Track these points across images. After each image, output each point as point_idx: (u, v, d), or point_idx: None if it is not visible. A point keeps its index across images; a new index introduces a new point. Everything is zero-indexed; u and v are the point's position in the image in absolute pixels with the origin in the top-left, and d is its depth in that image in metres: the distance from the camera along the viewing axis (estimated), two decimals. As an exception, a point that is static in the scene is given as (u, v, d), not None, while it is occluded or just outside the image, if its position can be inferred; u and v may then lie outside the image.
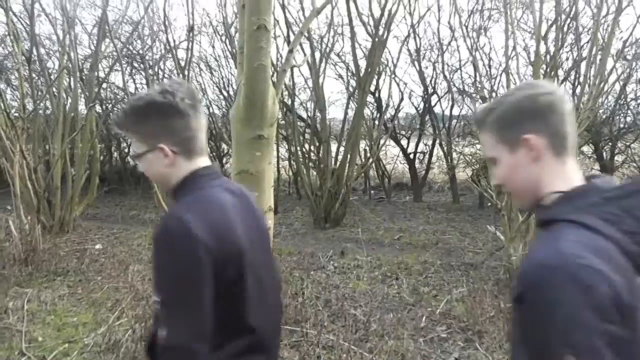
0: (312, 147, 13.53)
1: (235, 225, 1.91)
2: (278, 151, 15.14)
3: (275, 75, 7.16)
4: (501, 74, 11.78)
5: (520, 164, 1.58)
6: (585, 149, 15.37)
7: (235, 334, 1.89)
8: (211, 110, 17.22)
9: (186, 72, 10.10)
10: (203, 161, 2.02)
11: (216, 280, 1.78)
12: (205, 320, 1.76)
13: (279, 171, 15.58)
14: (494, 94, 10.17)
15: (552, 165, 1.56)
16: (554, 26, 8.59)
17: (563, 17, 9.87)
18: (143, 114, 1.93)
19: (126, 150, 19.62)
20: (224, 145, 17.19)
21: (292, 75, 12.92)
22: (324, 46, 12.96)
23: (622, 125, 15.00)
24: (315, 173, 12.97)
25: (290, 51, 4.72)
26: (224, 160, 17.90)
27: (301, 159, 12.52)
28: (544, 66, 8.86)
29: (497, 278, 7.49)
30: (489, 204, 11.46)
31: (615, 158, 15.54)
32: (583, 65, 8.03)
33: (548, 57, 9.79)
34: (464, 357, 5.03)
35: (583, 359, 1.25)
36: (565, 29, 10.48)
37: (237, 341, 1.88)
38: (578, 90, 10.01)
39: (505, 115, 1.60)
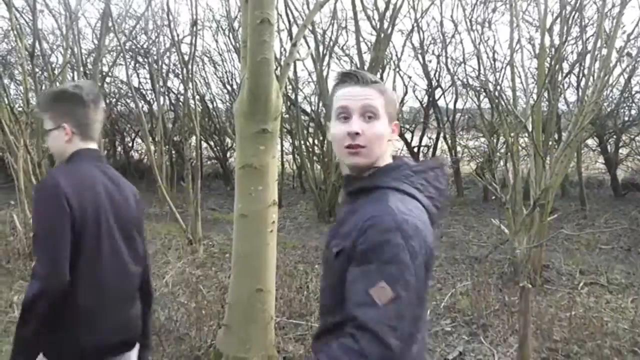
0: (316, 141, 13.54)
1: (96, 195, 2.46)
2: (282, 145, 15.13)
3: (278, 69, 7.15)
4: (506, 66, 11.73)
5: None
6: (589, 142, 15.38)
7: (83, 288, 2.38)
8: (215, 105, 17.23)
9: (190, 67, 10.06)
10: (93, 145, 2.58)
11: (73, 232, 2.33)
12: (59, 257, 2.30)
13: (282, 165, 15.58)
14: (498, 87, 10.15)
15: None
16: (559, 19, 8.53)
17: (568, 9, 9.83)
18: (56, 98, 2.53)
19: (130, 144, 19.64)
20: (227, 140, 17.19)
21: (295, 69, 12.92)
22: (327, 40, 12.96)
23: (626, 119, 14.98)
24: (319, 167, 12.98)
25: (294, 45, 4.71)
26: (228, 154, 17.90)
27: (305, 153, 12.54)
28: (548, 59, 8.83)
29: (501, 271, 7.49)
30: (493, 197, 11.47)
31: (620, 151, 15.55)
32: (588, 58, 7.99)
33: (553, 49, 9.75)
34: (469, 350, 5.04)
35: (393, 288, 1.57)
36: (570, 21, 10.43)
37: (83, 294, 2.37)
38: (582, 83, 9.94)
39: None
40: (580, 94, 7.75)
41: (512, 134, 7.88)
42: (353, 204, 1.89)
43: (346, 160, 1.87)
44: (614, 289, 7.04)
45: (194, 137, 10.98)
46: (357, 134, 1.81)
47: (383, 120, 1.86)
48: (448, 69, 14.74)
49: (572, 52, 12.88)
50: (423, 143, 16.75)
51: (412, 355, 1.72)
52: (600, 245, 9.53)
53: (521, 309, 4.71)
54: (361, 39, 12.42)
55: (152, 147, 12.23)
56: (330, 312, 1.83)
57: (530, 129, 7.22)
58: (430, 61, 15.46)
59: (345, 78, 1.89)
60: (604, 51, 7.40)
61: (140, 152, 19.81)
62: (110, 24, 10.70)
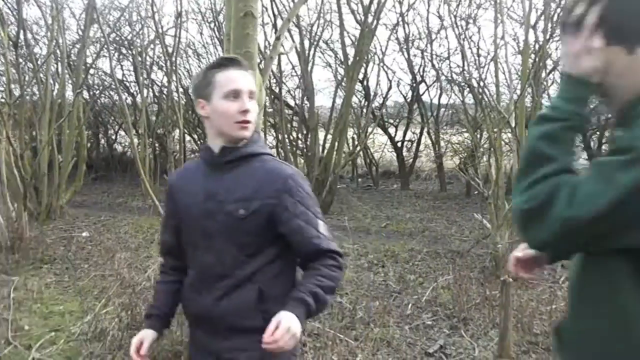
0: (299, 135, 13.54)
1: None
2: (265, 139, 15.09)
3: (262, 62, 7.13)
4: (489, 62, 11.79)
5: None
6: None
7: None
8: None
9: (174, 59, 10.02)
10: None
11: None
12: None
13: (265, 159, 15.53)
14: (482, 83, 10.19)
15: None
16: (543, 15, 8.58)
17: (553, 6, 9.88)
18: None
19: (114, 137, 19.54)
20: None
21: (279, 62, 12.90)
22: (313, 34, 12.95)
23: (609, 115, 15.05)
24: (302, 161, 12.98)
25: (277, 38, 4.70)
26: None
27: (289, 147, 12.52)
28: (532, 55, 8.87)
29: (483, 266, 7.53)
30: (476, 192, 11.51)
31: (603, 147, 15.66)
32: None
33: (537, 46, 9.80)
34: (449, 344, 5.06)
35: (324, 221, 2.28)
36: (554, 18, 10.49)
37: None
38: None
39: None
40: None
41: (495, 130, 7.92)
42: (232, 171, 2.21)
43: (236, 133, 2.17)
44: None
45: (177, 130, 10.94)
46: (248, 111, 2.13)
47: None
48: (433, 64, 14.80)
49: (556, 49, 12.94)
50: (407, 138, 16.80)
51: None
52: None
53: (502, 302, 4.75)
54: (345, 33, 12.44)
55: (136, 140, 12.17)
56: (237, 267, 2.18)
57: (513, 125, 7.25)
58: (415, 56, 15.51)
59: (228, 62, 2.19)
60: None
61: (123, 145, 19.73)
62: (94, 15, 10.63)
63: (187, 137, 17.28)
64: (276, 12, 11.99)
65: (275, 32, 11.40)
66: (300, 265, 2.29)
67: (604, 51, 1.42)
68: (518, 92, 7.64)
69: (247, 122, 2.15)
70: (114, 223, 10.57)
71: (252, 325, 2.12)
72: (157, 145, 16.32)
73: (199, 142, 17.73)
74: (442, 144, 15.69)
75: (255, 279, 2.18)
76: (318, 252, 2.18)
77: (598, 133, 15.34)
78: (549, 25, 9.05)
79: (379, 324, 5.36)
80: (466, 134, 14.73)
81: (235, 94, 2.13)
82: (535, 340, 5.10)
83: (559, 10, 10.34)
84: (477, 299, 6.04)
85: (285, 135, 12.55)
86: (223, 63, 2.20)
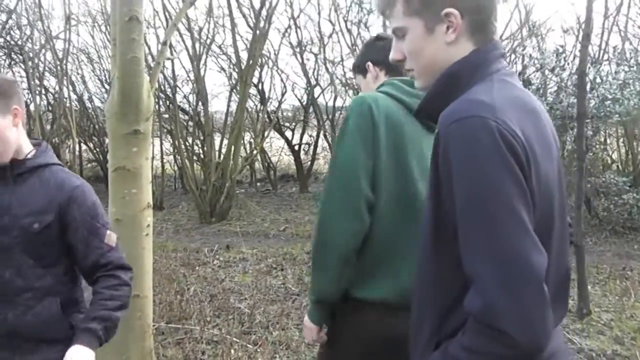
0: (196, 141, 13.39)
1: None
2: (162, 145, 14.85)
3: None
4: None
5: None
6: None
7: None
8: (93, 104, 16.72)
9: (64, 64, 9.71)
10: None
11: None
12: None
13: (163, 166, 15.24)
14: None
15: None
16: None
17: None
18: None
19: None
20: (107, 140, 16.68)
21: (173, 67, 12.75)
22: (204, 38, 12.84)
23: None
24: (199, 167, 12.85)
25: (164, 43, 4.63)
26: (109, 156, 17.34)
27: (185, 153, 12.36)
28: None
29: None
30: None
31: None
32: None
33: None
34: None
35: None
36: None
37: None
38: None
39: None
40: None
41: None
42: (24, 183, 2.20)
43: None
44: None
45: (71, 139, 10.63)
46: None
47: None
48: (326, 68, 14.91)
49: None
50: (304, 141, 16.89)
51: None
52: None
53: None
54: (238, 37, 12.40)
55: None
56: (37, 280, 2.18)
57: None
58: (308, 60, 15.61)
59: None
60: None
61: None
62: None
63: (83, 146, 16.82)
64: (167, 16, 11.81)
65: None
66: (84, 275, 2.34)
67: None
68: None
69: None
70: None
71: (57, 337, 2.19)
72: (53, 155, 15.78)
73: (94, 151, 17.27)
74: (339, 146, 15.81)
75: (56, 289, 2.22)
76: (97, 265, 2.24)
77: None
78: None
79: (277, 327, 5.38)
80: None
81: None
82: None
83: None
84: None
85: (181, 141, 12.38)
86: None
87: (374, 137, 2.06)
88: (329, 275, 2.11)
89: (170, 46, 11.64)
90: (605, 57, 12.30)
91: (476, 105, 1.31)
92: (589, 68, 9.59)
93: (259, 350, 4.83)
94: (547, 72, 10.71)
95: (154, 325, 4.65)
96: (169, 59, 5.18)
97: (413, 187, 2.12)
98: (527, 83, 11.37)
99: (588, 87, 8.88)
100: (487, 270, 1.24)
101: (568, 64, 10.17)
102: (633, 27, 13.20)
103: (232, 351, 4.73)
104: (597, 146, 9.77)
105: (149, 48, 11.63)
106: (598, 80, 9.51)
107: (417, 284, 1.52)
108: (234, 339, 4.96)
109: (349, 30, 11.98)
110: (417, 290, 1.52)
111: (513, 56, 13.59)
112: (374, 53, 2.46)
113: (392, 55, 1.61)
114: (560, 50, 10.24)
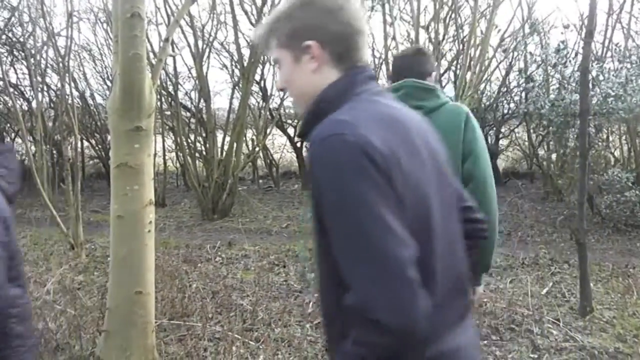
0: (198, 138, 13.39)
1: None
2: (164, 142, 14.84)
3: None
4: (381, 64, 11.98)
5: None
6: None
7: None
8: (95, 101, 16.73)
9: (66, 61, 9.67)
10: None
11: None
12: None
13: (165, 163, 15.22)
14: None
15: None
16: (436, 18, 8.82)
17: (446, 9, 10.17)
18: None
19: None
20: (109, 138, 16.67)
21: (175, 64, 12.74)
22: (207, 35, 12.82)
23: (505, 111, 15.63)
24: (202, 164, 12.85)
25: (166, 40, 4.64)
26: (111, 152, 17.33)
27: (187, 150, 12.35)
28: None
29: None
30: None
31: (500, 142, 16.33)
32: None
33: (431, 47, 10.04)
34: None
35: None
36: (447, 21, 10.79)
37: None
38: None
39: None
40: (456, 89, 7.99)
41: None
42: None
43: None
44: (493, 272, 7.35)
45: (73, 136, 10.61)
46: None
47: None
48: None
49: (450, 50, 13.33)
50: (305, 137, 16.87)
51: None
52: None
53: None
54: (240, 34, 12.37)
55: (33, 148, 11.75)
56: None
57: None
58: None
59: None
60: (478, 50, 7.69)
61: (21, 153, 18.95)
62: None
63: (85, 143, 16.83)
64: (169, 13, 11.79)
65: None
66: None
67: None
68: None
69: None
70: (11, 236, 10.12)
71: None
72: (55, 152, 15.78)
73: (96, 148, 17.29)
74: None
75: None
76: None
77: (495, 128, 15.92)
78: (442, 27, 9.31)
79: (280, 324, 5.37)
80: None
81: None
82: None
83: (451, 13, 10.68)
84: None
85: (183, 138, 12.38)
86: None
87: None
88: None
89: (173, 43, 11.64)
90: (609, 54, 12.29)
91: (336, 124, 1.47)
92: (592, 65, 9.63)
93: (261, 347, 4.82)
94: (549, 68, 10.72)
95: (156, 322, 4.66)
96: (171, 55, 5.18)
97: None
98: (529, 80, 11.41)
99: (590, 84, 8.93)
100: (358, 269, 1.40)
101: (570, 61, 10.18)
102: (636, 24, 13.19)
103: (234, 348, 4.72)
104: (600, 143, 9.77)
105: (151, 45, 11.62)
106: (601, 77, 9.51)
107: (318, 290, 1.70)
108: (236, 335, 4.96)
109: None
110: (319, 295, 1.70)
111: (515, 53, 13.64)
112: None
113: (277, 85, 1.82)
114: (562, 46, 10.25)
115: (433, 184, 1.57)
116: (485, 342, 5.06)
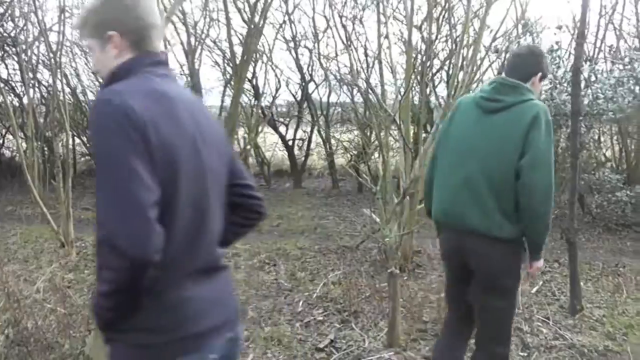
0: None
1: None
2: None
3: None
4: (374, 62, 11.95)
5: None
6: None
7: None
8: (87, 98, 16.64)
9: (58, 57, 9.61)
10: None
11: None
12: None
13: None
14: (368, 82, 10.34)
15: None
16: (429, 17, 8.81)
17: (439, 9, 10.16)
18: None
19: (0, 141, 18.66)
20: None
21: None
22: (199, 32, 12.78)
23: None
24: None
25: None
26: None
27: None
28: (419, 55, 9.08)
29: (373, 259, 7.68)
30: (368, 188, 11.70)
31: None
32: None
33: (423, 46, 10.06)
34: (340, 337, 5.12)
35: None
36: (440, 20, 10.79)
37: None
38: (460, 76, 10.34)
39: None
40: (449, 89, 7.99)
41: (382, 127, 8.05)
42: None
43: None
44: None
45: (64, 133, 10.55)
46: None
47: None
48: (321, 64, 14.90)
49: (442, 50, 13.33)
50: (298, 136, 16.86)
51: None
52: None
53: (390, 293, 4.88)
54: (232, 32, 12.35)
55: (24, 144, 11.69)
56: None
57: (399, 123, 7.41)
58: (302, 55, 15.58)
59: None
60: (471, 49, 7.69)
61: (11, 149, 18.84)
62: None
63: (77, 140, 16.77)
64: (162, 9, 11.71)
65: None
66: None
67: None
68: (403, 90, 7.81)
69: None
70: (2, 233, 10.07)
71: None
72: (46, 149, 15.70)
73: (88, 145, 17.19)
74: (333, 142, 15.79)
75: None
76: None
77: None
78: (435, 26, 9.31)
79: (269, 323, 5.38)
80: (356, 132, 14.94)
81: None
82: (424, 328, 5.29)
83: (444, 12, 10.68)
84: (367, 292, 6.16)
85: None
86: None
87: None
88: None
89: (165, 39, 11.61)
90: (601, 55, 12.36)
91: (109, 92, 1.82)
92: (584, 66, 9.70)
93: (250, 346, 4.83)
94: (542, 69, 10.73)
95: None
96: (162, 53, 5.15)
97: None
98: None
99: (582, 84, 8.99)
100: (109, 207, 1.70)
101: (563, 61, 10.23)
102: (628, 25, 13.24)
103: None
104: (591, 144, 9.82)
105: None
106: (593, 78, 9.57)
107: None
108: (226, 334, 4.95)
109: (343, 26, 11.95)
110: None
111: (508, 54, 13.65)
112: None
113: (92, 68, 2.31)
114: (556, 47, 10.31)
115: (188, 150, 1.87)
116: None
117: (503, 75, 3.48)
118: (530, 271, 3.48)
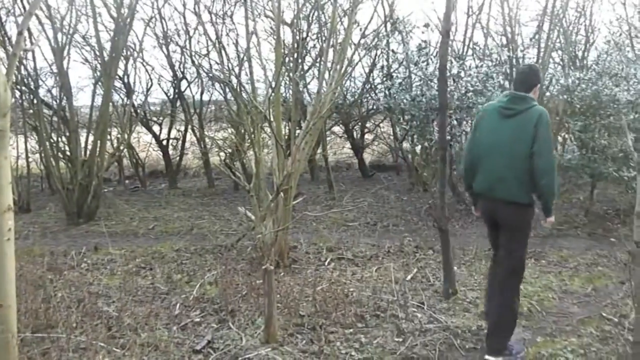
0: (62, 138, 12.85)
1: None
2: (26, 143, 13.97)
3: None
4: (243, 58, 11.97)
5: None
6: (336, 129, 16.47)
7: None
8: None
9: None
10: None
11: None
12: None
13: (28, 165, 14.21)
14: (239, 79, 10.41)
15: None
16: (300, 15, 8.95)
17: (309, 7, 10.32)
18: None
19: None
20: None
21: (34, 59, 12.17)
22: (67, 27, 12.27)
23: (370, 107, 16.06)
24: (66, 165, 12.37)
25: (20, 33, 4.40)
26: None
27: (50, 151, 11.84)
28: (292, 52, 9.18)
29: (250, 257, 7.74)
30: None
31: (366, 136, 16.84)
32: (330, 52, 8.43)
33: (297, 44, 10.18)
34: (218, 337, 5.15)
35: None
36: (310, 19, 10.97)
37: None
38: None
39: None
40: (319, 85, 8.14)
41: (255, 125, 8.11)
42: None
43: None
44: (359, 262, 7.69)
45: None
46: None
47: None
48: (193, 61, 14.79)
49: (314, 47, 13.54)
50: (172, 135, 16.67)
51: None
52: (348, 222, 10.32)
53: (265, 290, 4.97)
54: (101, 27, 12.00)
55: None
56: None
57: (270, 119, 7.49)
58: (174, 52, 15.38)
59: None
60: (339, 46, 7.87)
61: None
62: None
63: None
64: (26, 4, 11.19)
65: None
66: None
67: None
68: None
69: None
70: None
71: None
72: None
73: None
74: (207, 140, 15.69)
75: None
76: None
77: (360, 123, 16.38)
78: (305, 25, 9.45)
79: (146, 329, 5.33)
80: (230, 130, 14.93)
81: None
82: (301, 322, 5.43)
83: (314, 11, 10.86)
84: (244, 290, 6.24)
85: (46, 138, 11.83)
86: None
87: None
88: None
89: (30, 36, 11.18)
90: (470, 52, 12.96)
91: None
92: (453, 63, 10.17)
93: (126, 354, 4.77)
94: (411, 66, 11.17)
95: (19, 336, 4.48)
96: (26, 50, 4.95)
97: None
98: (389, 78, 11.87)
99: (451, 80, 9.41)
100: None
101: (432, 59, 10.67)
102: (495, 24, 13.99)
103: (100, 357, 4.66)
104: (462, 136, 10.25)
105: (9, 38, 11.14)
106: (462, 74, 10.02)
107: None
108: (101, 344, 4.86)
109: (212, 24, 11.92)
110: None
111: (378, 51, 14.07)
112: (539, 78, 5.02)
113: None
114: (424, 45, 10.75)
115: None
116: (351, 330, 5.27)
117: (512, 90, 4.89)
118: (545, 224, 4.99)
